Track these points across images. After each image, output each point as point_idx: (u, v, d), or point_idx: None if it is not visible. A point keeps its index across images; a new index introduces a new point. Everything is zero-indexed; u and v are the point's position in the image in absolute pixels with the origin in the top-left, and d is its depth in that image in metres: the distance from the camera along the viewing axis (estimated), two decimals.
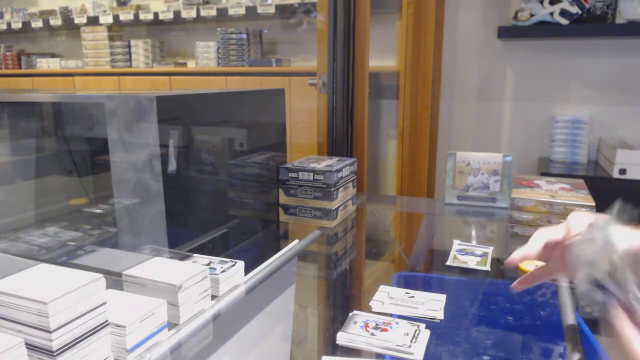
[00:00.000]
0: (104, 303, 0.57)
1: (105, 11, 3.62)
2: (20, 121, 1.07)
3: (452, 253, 1.08)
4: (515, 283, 0.74)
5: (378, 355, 0.69)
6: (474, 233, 1.30)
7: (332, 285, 1.03)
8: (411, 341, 0.70)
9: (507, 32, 2.21)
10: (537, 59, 2.29)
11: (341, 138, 1.66)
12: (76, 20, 3.68)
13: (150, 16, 3.40)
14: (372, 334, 0.72)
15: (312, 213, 1.25)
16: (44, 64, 3.91)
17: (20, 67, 4.06)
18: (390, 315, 0.79)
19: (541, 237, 0.68)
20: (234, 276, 0.82)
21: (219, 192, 1.07)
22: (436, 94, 2.38)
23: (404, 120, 2.24)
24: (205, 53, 3.24)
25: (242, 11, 3.06)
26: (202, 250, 0.97)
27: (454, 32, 2.41)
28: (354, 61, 1.66)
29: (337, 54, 1.61)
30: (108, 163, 0.87)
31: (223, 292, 0.79)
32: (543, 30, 2.14)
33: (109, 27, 3.60)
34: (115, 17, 3.55)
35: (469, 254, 1.08)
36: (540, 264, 0.71)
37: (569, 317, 0.78)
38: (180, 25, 3.50)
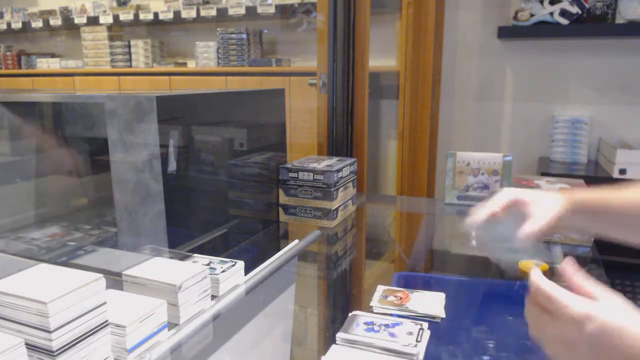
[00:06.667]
0: (104, 303, 0.57)
1: (105, 11, 3.62)
2: (21, 121, 1.07)
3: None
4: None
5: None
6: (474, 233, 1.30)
7: (332, 285, 1.03)
8: (412, 341, 0.70)
9: (507, 32, 2.20)
10: (537, 59, 2.29)
11: (341, 138, 1.65)
12: (76, 20, 3.68)
13: (150, 16, 3.40)
14: (372, 334, 0.72)
15: (312, 213, 1.25)
16: (44, 64, 3.91)
17: (20, 67, 4.05)
18: (391, 315, 0.79)
19: (508, 195, 0.71)
20: (234, 276, 0.82)
21: (219, 192, 1.07)
22: (436, 94, 2.38)
23: (404, 120, 2.23)
24: (205, 53, 3.24)
25: (242, 11, 3.06)
26: (202, 250, 0.97)
27: (454, 32, 2.41)
28: (354, 61, 1.66)
29: (337, 54, 1.61)
30: (108, 163, 0.87)
31: (223, 292, 0.79)
32: (543, 30, 2.13)
33: (109, 27, 3.60)
34: (115, 17, 3.54)
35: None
36: (540, 263, 0.71)
37: None
38: (180, 25, 3.50)
